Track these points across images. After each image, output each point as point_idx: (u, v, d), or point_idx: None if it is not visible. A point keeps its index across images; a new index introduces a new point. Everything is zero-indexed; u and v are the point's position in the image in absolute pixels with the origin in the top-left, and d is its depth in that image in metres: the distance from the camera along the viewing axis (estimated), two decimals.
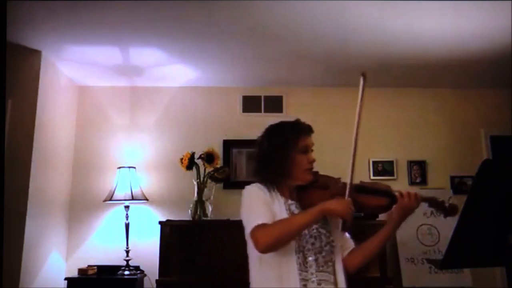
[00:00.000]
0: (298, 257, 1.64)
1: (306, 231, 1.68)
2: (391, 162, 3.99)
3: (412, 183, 3.96)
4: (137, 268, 3.55)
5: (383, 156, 3.99)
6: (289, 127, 1.78)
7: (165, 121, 4.02)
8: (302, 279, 1.61)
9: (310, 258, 1.65)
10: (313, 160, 1.75)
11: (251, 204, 1.69)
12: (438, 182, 3.97)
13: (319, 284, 1.62)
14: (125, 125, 4.00)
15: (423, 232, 3.68)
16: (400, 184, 3.92)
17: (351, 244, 1.82)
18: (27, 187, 3.11)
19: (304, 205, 1.72)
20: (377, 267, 3.29)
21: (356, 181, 1.73)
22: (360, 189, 1.70)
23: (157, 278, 3.23)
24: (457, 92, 4.15)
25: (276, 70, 3.77)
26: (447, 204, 1.68)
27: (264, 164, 1.76)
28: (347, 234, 1.82)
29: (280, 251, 1.61)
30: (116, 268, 3.47)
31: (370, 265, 3.27)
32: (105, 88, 4.03)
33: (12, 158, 3.02)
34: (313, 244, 1.67)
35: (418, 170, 4.00)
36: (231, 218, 3.52)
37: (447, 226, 3.56)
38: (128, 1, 2.61)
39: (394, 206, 1.68)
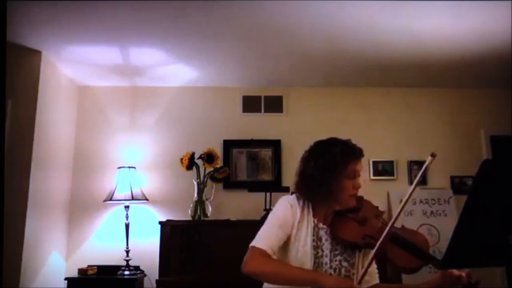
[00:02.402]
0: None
1: (327, 260, 1.65)
2: (391, 162, 3.99)
3: (412, 183, 3.96)
4: (137, 268, 3.55)
5: (383, 156, 3.99)
6: (339, 149, 1.67)
7: (165, 121, 4.02)
8: None
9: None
10: (359, 186, 1.68)
11: (272, 220, 1.66)
12: (438, 182, 3.97)
13: None
14: (125, 125, 4.00)
15: (423, 232, 3.67)
16: (400, 184, 3.92)
17: (374, 278, 1.77)
18: (27, 187, 3.11)
19: (335, 234, 1.65)
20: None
21: None
22: (396, 239, 1.58)
23: (157, 278, 3.23)
24: (457, 92, 4.15)
25: (276, 70, 3.77)
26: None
27: (307, 183, 1.68)
28: (374, 267, 1.77)
29: None
30: (116, 268, 3.47)
31: None
32: (105, 88, 4.03)
33: (12, 158, 3.02)
34: (330, 275, 1.63)
35: (418, 170, 3.99)
36: (231, 218, 3.53)
37: (447, 226, 3.58)
38: (128, 1, 2.61)
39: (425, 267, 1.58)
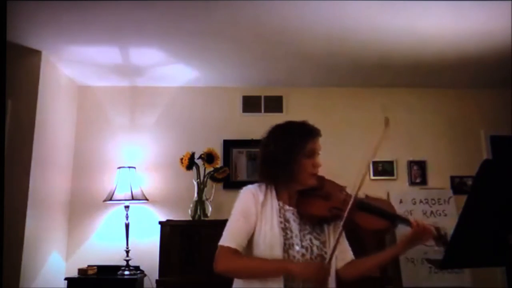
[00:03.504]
0: None
1: (298, 241, 1.65)
2: (391, 162, 3.99)
3: (412, 183, 3.96)
4: (137, 268, 3.55)
5: (383, 156, 3.99)
6: (296, 130, 1.72)
7: (165, 121, 4.02)
8: None
9: None
10: (319, 165, 1.70)
11: (235, 215, 1.68)
12: (438, 182, 3.97)
13: None
14: (125, 125, 4.00)
15: None
16: (400, 184, 3.93)
17: (349, 255, 1.79)
18: (27, 187, 3.10)
19: (301, 213, 1.69)
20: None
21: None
22: (362, 206, 1.64)
23: (157, 278, 3.23)
24: (457, 92, 4.15)
25: (276, 70, 3.77)
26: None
27: (268, 166, 1.70)
28: (346, 244, 1.80)
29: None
30: (116, 268, 3.47)
31: None
32: (105, 88, 4.03)
33: (12, 158, 3.02)
34: (303, 255, 1.64)
35: (418, 170, 4.00)
36: None
37: (447, 226, 3.57)
38: (128, 1, 2.61)
39: (394, 229, 1.65)
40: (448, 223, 3.97)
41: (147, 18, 2.84)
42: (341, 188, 1.73)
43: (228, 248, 1.61)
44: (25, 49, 3.22)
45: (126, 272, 3.42)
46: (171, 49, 3.33)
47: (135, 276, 3.40)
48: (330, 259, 1.58)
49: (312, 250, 1.65)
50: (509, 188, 1.34)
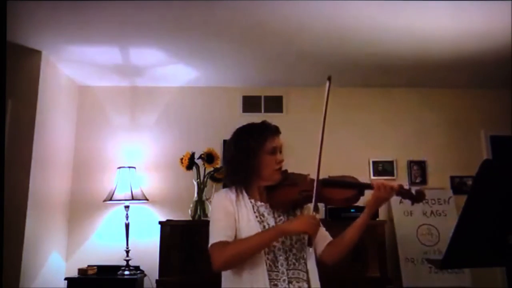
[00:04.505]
0: (268, 258, 1.65)
1: None
2: (391, 162, 3.99)
3: (412, 183, 3.96)
4: (137, 268, 3.55)
5: (383, 156, 3.99)
6: (255, 130, 1.79)
7: (165, 121, 4.02)
8: (272, 279, 1.63)
9: (280, 257, 1.67)
10: (281, 160, 1.77)
11: (215, 216, 1.72)
12: (438, 182, 3.97)
13: (290, 282, 1.64)
14: (125, 125, 4.00)
15: (423, 232, 3.68)
16: None
17: (327, 237, 1.84)
18: (27, 187, 3.11)
19: (274, 205, 1.76)
20: (377, 267, 3.29)
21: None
22: (326, 183, 1.75)
23: (157, 278, 3.24)
24: (457, 92, 4.15)
25: (276, 70, 3.77)
26: (414, 192, 1.71)
27: (232, 167, 1.78)
28: (323, 229, 1.85)
29: None
30: (116, 268, 3.47)
31: (370, 265, 3.27)
32: (105, 88, 4.04)
33: (12, 158, 3.02)
34: (283, 242, 1.69)
35: (418, 170, 4.00)
36: None
37: (447, 226, 3.59)
38: (128, 1, 2.61)
39: (361, 196, 1.73)
40: (448, 223, 4.00)
41: (147, 18, 2.84)
42: (305, 176, 1.81)
43: (217, 243, 1.63)
44: (25, 49, 3.22)
45: (126, 272, 3.42)
46: (171, 49, 3.33)
47: (135, 276, 3.40)
48: (315, 207, 1.66)
49: (291, 236, 1.71)
50: (509, 188, 1.34)
